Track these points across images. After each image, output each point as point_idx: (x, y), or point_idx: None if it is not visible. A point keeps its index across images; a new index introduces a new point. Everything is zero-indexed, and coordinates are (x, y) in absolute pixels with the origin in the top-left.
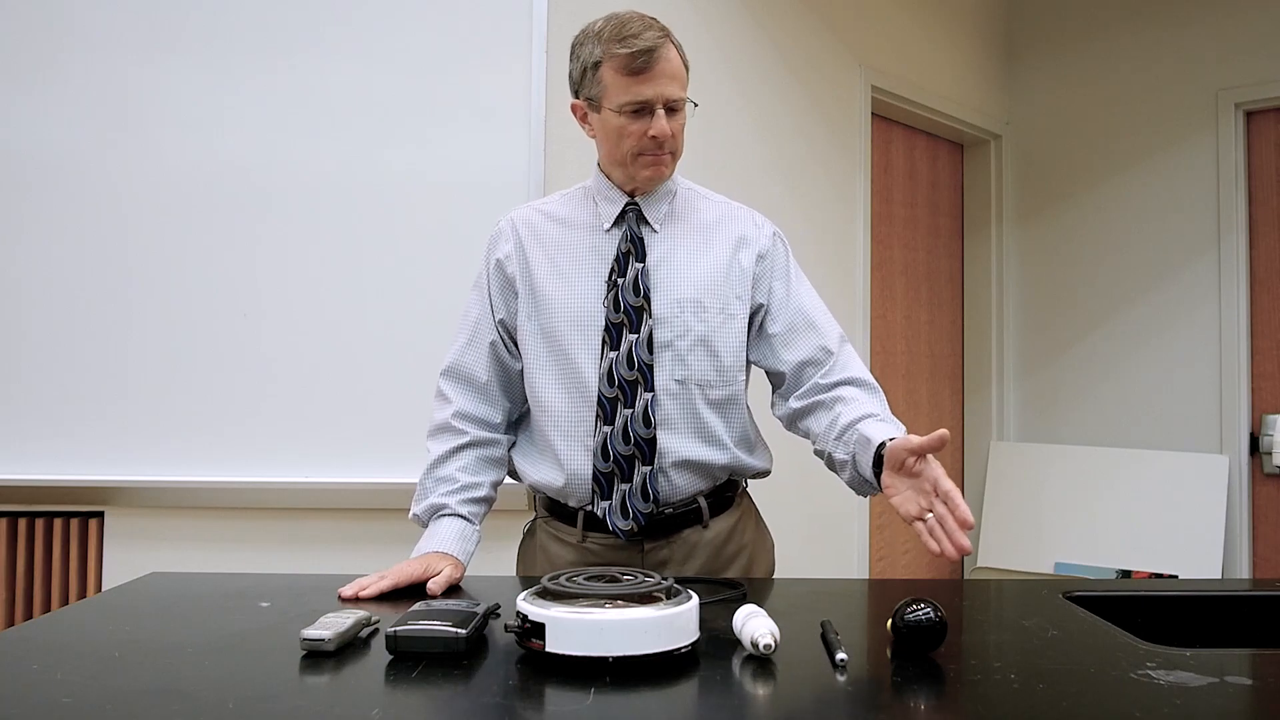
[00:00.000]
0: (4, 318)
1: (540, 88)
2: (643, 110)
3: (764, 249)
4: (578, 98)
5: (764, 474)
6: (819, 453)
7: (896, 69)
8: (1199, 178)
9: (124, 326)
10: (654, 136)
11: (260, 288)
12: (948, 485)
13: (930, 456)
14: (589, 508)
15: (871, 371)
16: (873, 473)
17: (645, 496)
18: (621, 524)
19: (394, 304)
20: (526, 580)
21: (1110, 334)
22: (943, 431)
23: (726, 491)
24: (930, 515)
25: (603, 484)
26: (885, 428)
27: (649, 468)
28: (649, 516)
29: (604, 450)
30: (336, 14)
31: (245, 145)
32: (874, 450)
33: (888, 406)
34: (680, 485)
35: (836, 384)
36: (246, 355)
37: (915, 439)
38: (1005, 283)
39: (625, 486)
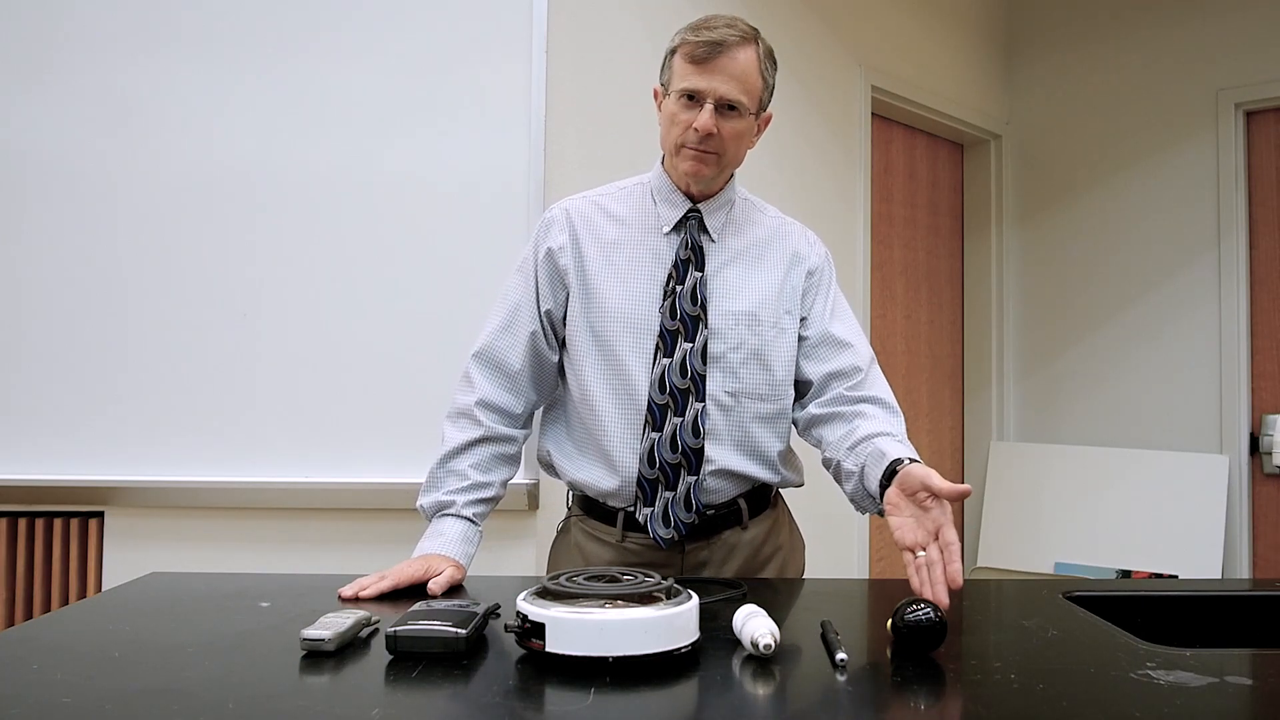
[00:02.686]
0: (4, 318)
1: (540, 88)
2: (694, 100)
3: (814, 266)
4: (660, 83)
5: (797, 486)
6: (827, 461)
7: (896, 69)
8: (1199, 178)
9: (123, 326)
10: (696, 129)
11: (260, 287)
12: (951, 536)
13: (945, 501)
14: (630, 509)
15: None
16: (878, 487)
17: (688, 506)
18: (663, 532)
19: (394, 304)
20: None
21: (1110, 334)
22: (966, 486)
23: (762, 493)
24: (923, 554)
25: (646, 490)
26: (901, 448)
27: (694, 477)
28: (689, 525)
29: (650, 456)
30: (335, 14)
31: (245, 145)
32: (886, 465)
33: (905, 431)
34: (721, 490)
35: (860, 400)
36: (246, 355)
37: (939, 480)
38: (1005, 283)
39: (669, 494)
